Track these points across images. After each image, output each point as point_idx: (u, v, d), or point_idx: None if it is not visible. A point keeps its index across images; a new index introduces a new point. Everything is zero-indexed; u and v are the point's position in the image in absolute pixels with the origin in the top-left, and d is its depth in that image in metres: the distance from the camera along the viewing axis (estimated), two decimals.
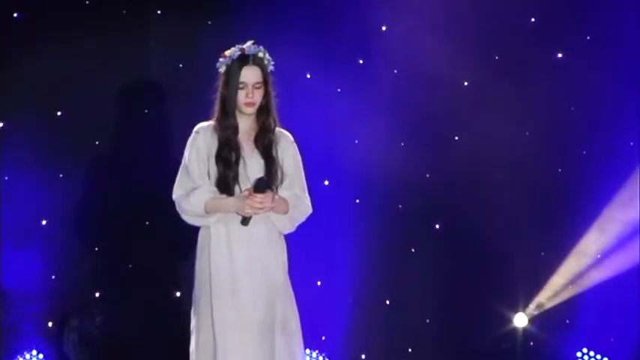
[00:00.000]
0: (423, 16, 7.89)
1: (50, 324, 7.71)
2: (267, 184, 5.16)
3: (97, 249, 7.79)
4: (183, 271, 7.80)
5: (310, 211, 5.39)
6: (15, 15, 7.76)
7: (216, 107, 5.32)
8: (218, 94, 5.32)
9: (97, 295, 7.80)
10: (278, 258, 5.27)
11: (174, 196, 5.34)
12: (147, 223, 7.84)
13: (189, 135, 5.41)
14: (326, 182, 7.92)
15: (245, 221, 5.18)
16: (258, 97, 5.24)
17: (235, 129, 5.27)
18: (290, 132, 5.42)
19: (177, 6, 7.85)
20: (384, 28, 8.02)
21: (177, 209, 5.34)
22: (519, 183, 7.99)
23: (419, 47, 7.87)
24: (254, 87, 5.23)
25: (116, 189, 7.78)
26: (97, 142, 7.83)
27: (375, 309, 7.95)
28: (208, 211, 5.22)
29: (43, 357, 7.67)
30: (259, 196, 5.10)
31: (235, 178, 5.21)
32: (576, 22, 8.06)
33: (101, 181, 7.75)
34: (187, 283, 7.83)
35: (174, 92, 7.87)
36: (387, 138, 7.93)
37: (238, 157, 5.22)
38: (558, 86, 8.03)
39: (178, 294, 7.82)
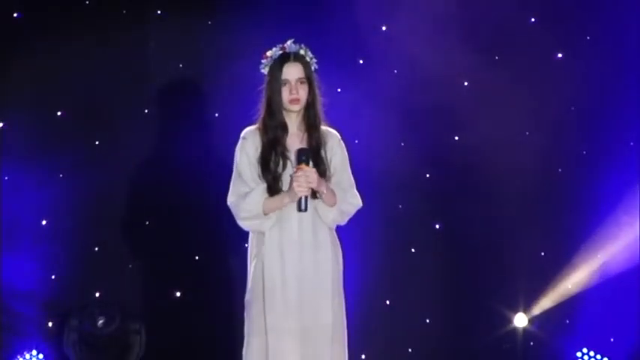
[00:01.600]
0: (423, 16, 7.89)
1: (50, 324, 7.71)
2: (309, 153, 5.13)
3: (97, 249, 7.79)
4: (184, 271, 7.82)
5: (360, 204, 5.38)
6: (15, 15, 7.76)
7: (262, 108, 5.28)
8: (263, 95, 5.28)
9: (97, 295, 7.80)
10: (329, 264, 5.22)
11: (228, 202, 5.28)
12: (147, 223, 7.84)
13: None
14: None
15: (300, 205, 5.10)
16: (302, 93, 5.22)
17: (284, 127, 5.24)
18: (338, 130, 5.40)
19: (177, 6, 7.85)
20: (384, 28, 8.02)
21: (234, 215, 5.28)
22: (519, 183, 7.99)
23: (419, 47, 7.87)
24: (297, 83, 5.21)
25: (116, 189, 7.78)
26: (97, 142, 7.83)
27: (375, 309, 7.95)
28: (266, 212, 5.19)
29: (43, 357, 7.67)
30: (304, 168, 5.08)
31: (273, 179, 5.18)
32: (576, 22, 8.06)
33: (101, 181, 7.74)
34: (187, 283, 7.87)
35: (174, 92, 7.87)
36: (387, 138, 7.93)
37: (285, 159, 5.21)
38: (558, 86, 8.03)
39: (178, 294, 7.82)
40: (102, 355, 7.65)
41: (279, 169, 5.20)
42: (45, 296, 7.67)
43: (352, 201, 5.35)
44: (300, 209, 5.13)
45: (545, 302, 8.05)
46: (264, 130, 5.24)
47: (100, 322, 7.63)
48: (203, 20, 7.91)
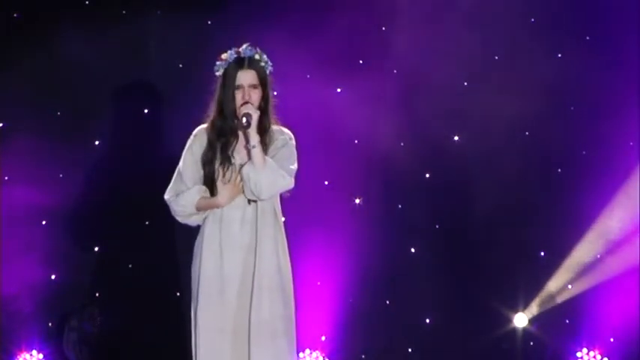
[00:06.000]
0: (422, 16, 7.89)
1: (50, 324, 7.71)
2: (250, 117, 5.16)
3: (97, 249, 7.80)
4: (183, 271, 7.82)
5: (291, 185, 5.24)
6: (15, 15, 7.76)
7: (213, 109, 5.33)
8: (215, 97, 5.33)
9: (97, 295, 7.81)
10: (272, 262, 5.25)
11: (165, 197, 5.37)
12: (147, 223, 7.84)
13: (189, 135, 5.41)
14: (326, 182, 7.92)
15: (243, 122, 5.12)
16: (255, 98, 5.24)
17: (233, 131, 5.28)
18: (292, 131, 5.41)
19: (177, 6, 7.85)
20: (384, 28, 8.02)
21: (170, 209, 5.36)
22: (519, 183, 7.99)
23: (419, 47, 7.87)
24: (250, 88, 5.25)
25: (116, 189, 7.78)
26: (96, 142, 7.83)
27: (375, 309, 7.95)
28: (199, 210, 5.26)
29: (43, 357, 7.67)
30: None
31: (213, 180, 5.24)
32: (576, 22, 8.06)
33: (101, 181, 7.75)
34: (187, 283, 7.88)
35: (174, 92, 7.87)
36: (387, 138, 7.93)
37: (229, 163, 5.24)
38: (558, 86, 8.03)
39: (178, 294, 7.83)
40: (102, 355, 7.66)
41: (222, 173, 5.25)
42: (45, 296, 7.67)
43: (282, 175, 5.20)
44: (243, 126, 5.12)
45: (545, 302, 8.05)
46: (213, 131, 5.29)
47: (100, 322, 7.64)
48: (203, 20, 7.91)
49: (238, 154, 5.27)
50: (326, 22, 7.82)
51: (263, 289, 5.21)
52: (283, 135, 5.33)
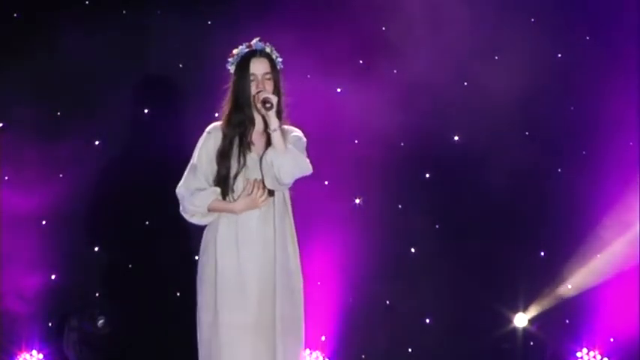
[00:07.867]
0: (422, 16, 7.89)
1: (50, 324, 7.71)
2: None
3: (97, 249, 7.80)
4: (184, 271, 7.82)
5: (310, 169, 5.28)
6: (15, 15, 7.76)
7: (228, 105, 5.32)
8: (229, 92, 5.32)
9: (97, 295, 7.81)
10: (288, 260, 5.29)
11: (177, 192, 5.35)
12: (147, 223, 7.84)
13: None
14: (326, 182, 7.92)
15: (266, 103, 5.16)
16: (269, 88, 5.26)
17: (251, 121, 5.27)
18: (302, 130, 5.41)
19: (177, 6, 7.85)
20: (384, 29, 8.02)
21: (180, 205, 5.36)
22: (519, 183, 8.00)
23: (419, 47, 7.87)
24: (264, 78, 5.26)
25: (116, 189, 7.78)
26: (96, 142, 7.83)
27: (375, 309, 7.95)
28: (210, 210, 5.26)
29: (43, 357, 7.67)
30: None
31: (228, 175, 5.24)
32: (576, 22, 8.06)
33: (101, 181, 7.75)
34: (187, 283, 7.87)
35: (174, 92, 7.87)
36: (387, 138, 7.93)
37: (245, 156, 5.24)
38: (558, 86, 8.04)
39: (178, 294, 7.83)
40: (102, 355, 7.66)
41: (237, 167, 5.24)
42: (45, 296, 7.67)
43: (304, 159, 5.26)
44: (266, 107, 5.15)
45: (545, 302, 8.05)
46: (228, 125, 5.28)
47: (100, 322, 7.63)
48: (203, 20, 7.91)
49: (255, 147, 5.25)
50: (326, 22, 7.82)
51: (282, 284, 5.24)
52: (294, 132, 5.35)
